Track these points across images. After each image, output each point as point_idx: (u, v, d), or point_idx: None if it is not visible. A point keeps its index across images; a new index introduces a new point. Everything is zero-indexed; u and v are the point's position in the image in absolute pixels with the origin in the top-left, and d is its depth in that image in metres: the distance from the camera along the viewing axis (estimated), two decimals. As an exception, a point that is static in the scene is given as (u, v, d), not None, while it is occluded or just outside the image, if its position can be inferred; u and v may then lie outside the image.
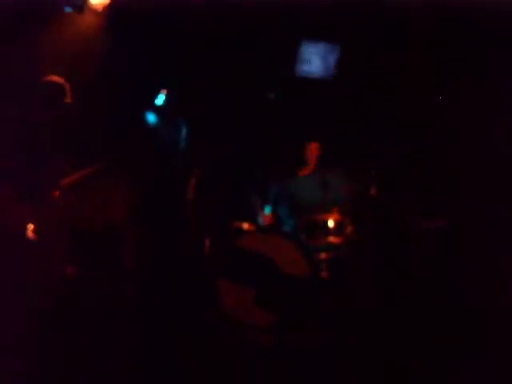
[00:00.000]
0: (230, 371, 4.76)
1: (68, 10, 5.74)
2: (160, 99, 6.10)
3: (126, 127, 5.66)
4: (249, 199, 6.26)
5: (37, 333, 4.33)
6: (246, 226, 6.11)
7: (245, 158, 6.51)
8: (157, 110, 6.10)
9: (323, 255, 6.06)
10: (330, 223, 6.03)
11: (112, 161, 5.02)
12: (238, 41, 6.01)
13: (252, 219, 6.22)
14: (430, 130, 6.16)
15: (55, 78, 5.08)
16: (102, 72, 5.60)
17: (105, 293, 5.17)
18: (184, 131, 6.14)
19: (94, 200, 5.62)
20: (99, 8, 5.80)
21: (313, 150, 6.53)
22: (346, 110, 6.62)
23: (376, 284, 5.91)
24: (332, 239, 6.07)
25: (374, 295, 5.71)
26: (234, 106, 6.36)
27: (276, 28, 5.88)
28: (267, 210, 6.29)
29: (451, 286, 5.70)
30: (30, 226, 4.30)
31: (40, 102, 4.97)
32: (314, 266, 5.79)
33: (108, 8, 5.80)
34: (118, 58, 5.75)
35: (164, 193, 6.15)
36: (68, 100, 5.07)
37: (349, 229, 6.09)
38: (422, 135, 6.23)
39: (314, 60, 6.05)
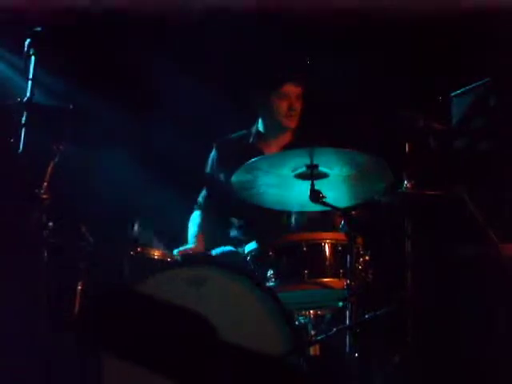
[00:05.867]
0: None
1: None
2: None
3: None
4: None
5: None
6: (156, 253, 4.27)
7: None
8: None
9: (312, 313, 4.30)
10: (327, 249, 4.12)
11: None
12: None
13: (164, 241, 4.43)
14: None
15: None
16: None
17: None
18: None
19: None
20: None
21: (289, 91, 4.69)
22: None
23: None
24: (330, 282, 4.14)
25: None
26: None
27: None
28: (194, 225, 4.79)
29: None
30: None
31: None
32: (293, 336, 3.96)
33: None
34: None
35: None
36: None
37: (363, 261, 4.14)
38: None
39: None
